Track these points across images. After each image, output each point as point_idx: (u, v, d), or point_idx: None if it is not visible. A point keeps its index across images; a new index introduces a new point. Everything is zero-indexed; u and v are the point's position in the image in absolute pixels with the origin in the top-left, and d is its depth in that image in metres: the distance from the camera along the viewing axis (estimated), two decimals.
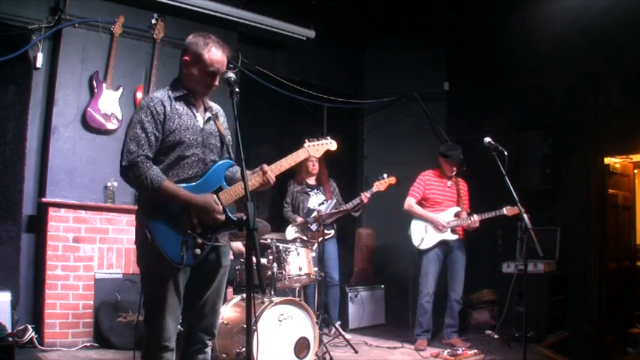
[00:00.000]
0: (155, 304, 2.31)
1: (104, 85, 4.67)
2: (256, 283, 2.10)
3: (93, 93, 4.65)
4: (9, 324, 3.92)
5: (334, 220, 5.21)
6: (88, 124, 4.61)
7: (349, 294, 5.76)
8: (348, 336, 4.85)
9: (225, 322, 3.60)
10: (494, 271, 5.53)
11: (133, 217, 4.58)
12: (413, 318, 5.04)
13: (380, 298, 6.07)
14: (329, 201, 5.18)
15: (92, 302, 4.40)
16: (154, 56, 4.96)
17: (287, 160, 2.59)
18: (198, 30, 2.49)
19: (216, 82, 2.43)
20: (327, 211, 4.84)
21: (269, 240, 4.00)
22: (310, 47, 6.17)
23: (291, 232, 5.16)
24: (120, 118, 4.73)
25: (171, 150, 2.35)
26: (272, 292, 3.78)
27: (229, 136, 2.62)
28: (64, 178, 4.52)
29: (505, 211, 4.54)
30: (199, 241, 2.31)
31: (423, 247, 4.85)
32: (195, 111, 2.46)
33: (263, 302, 3.53)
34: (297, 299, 3.80)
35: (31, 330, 4.18)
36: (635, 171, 6.45)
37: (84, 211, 4.49)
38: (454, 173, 4.98)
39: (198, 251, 2.31)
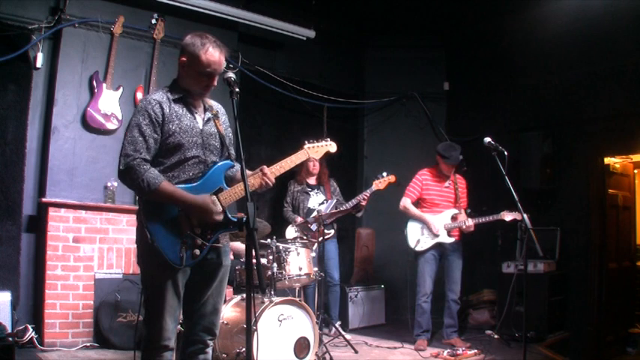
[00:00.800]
0: (154, 304, 2.32)
1: (104, 85, 4.67)
2: (256, 283, 2.10)
3: (93, 93, 4.65)
4: (9, 324, 3.92)
5: (334, 220, 5.21)
6: (88, 124, 4.61)
7: (349, 294, 5.76)
8: (348, 336, 4.86)
9: (225, 322, 3.60)
10: (494, 271, 5.53)
11: (133, 217, 4.64)
12: (412, 318, 5.04)
13: (380, 298, 6.07)
14: (329, 201, 5.18)
15: (92, 302, 4.40)
16: (153, 56, 4.96)
17: (287, 161, 2.59)
18: (198, 30, 2.49)
19: (214, 83, 2.43)
20: (327, 211, 4.84)
21: (269, 240, 4.00)
22: (310, 47, 6.17)
23: (291, 232, 5.16)
24: (120, 118, 4.73)
25: (172, 152, 2.35)
26: (272, 292, 3.78)
27: (230, 135, 2.62)
28: (64, 178, 4.52)
29: (502, 215, 4.52)
30: (198, 241, 2.32)
31: (419, 248, 4.85)
32: (194, 112, 2.46)
33: (263, 302, 3.54)
34: (297, 299, 3.80)
35: (31, 330, 4.18)
36: (635, 171, 6.45)
37: (84, 211, 4.48)
38: (452, 173, 4.97)
39: (197, 252, 2.32)
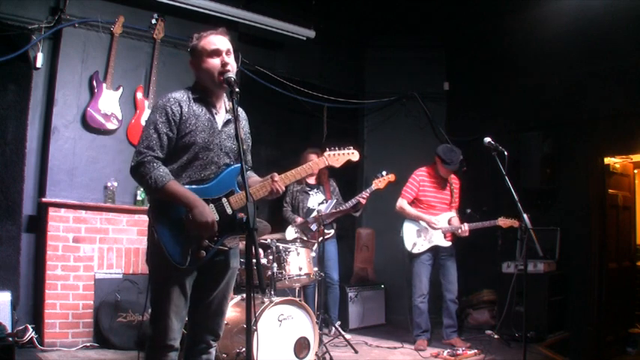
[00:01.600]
0: (161, 304, 2.31)
1: (104, 85, 4.67)
2: (256, 283, 2.10)
3: (93, 93, 4.65)
4: (9, 324, 3.92)
5: (334, 220, 5.21)
6: (88, 124, 4.61)
7: (349, 294, 5.76)
8: (348, 336, 4.86)
9: (225, 322, 3.58)
10: (494, 271, 5.53)
11: (133, 217, 4.67)
12: (411, 319, 5.03)
13: (380, 298, 6.07)
14: (329, 201, 5.18)
15: (92, 302, 4.40)
16: (153, 56, 4.96)
17: (304, 168, 2.55)
18: (198, 30, 2.50)
19: (229, 61, 2.37)
20: (327, 211, 4.84)
21: (269, 240, 4.00)
22: (310, 47, 6.17)
23: (291, 232, 5.15)
24: (120, 118, 4.73)
25: (185, 151, 2.35)
26: (272, 292, 3.78)
27: (249, 142, 2.61)
28: (64, 178, 4.52)
29: (498, 222, 4.48)
30: (204, 243, 2.30)
31: (415, 251, 4.85)
32: (214, 112, 2.44)
33: (263, 302, 3.54)
34: (297, 299, 3.80)
35: (31, 330, 4.19)
36: (635, 171, 6.45)
37: (84, 211, 4.49)
38: (449, 176, 4.95)
39: (202, 253, 2.30)
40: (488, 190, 5.18)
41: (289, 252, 3.98)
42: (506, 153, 3.45)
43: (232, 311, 3.70)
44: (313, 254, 4.39)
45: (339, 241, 5.52)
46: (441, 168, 4.85)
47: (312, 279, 4.13)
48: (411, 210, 4.87)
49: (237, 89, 2.28)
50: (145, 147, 2.28)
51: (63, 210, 4.39)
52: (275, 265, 3.89)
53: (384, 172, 4.81)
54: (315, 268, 4.20)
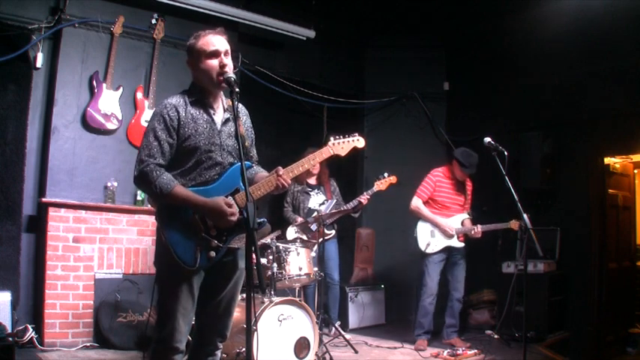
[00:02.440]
0: (168, 305, 2.30)
1: (104, 85, 4.67)
2: (256, 283, 2.10)
3: (93, 93, 4.65)
4: (9, 324, 3.92)
5: (335, 221, 5.21)
6: (88, 124, 4.61)
7: (349, 294, 5.76)
8: (348, 336, 4.86)
9: None
10: (494, 271, 5.53)
11: (133, 217, 4.67)
12: (415, 318, 5.02)
13: (380, 298, 6.07)
14: (329, 201, 5.18)
15: (92, 302, 4.40)
16: (153, 56, 4.96)
17: (308, 159, 2.51)
18: (198, 30, 2.49)
19: (227, 62, 2.37)
20: (327, 211, 4.84)
21: (269, 240, 4.00)
22: (310, 47, 6.17)
23: (291, 232, 5.16)
24: (120, 118, 4.73)
25: (189, 156, 2.34)
26: (272, 292, 3.78)
27: (252, 136, 2.60)
28: (64, 178, 4.52)
29: (511, 225, 4.51)
30: (213, 243, 2.30)
31: (429, 251, 4.84)
32: (212, 113, 2.43)
33: (263, 302, 3.54)
34: (297, 299, 3.80)
35: (31, 330, 4.18)
36: (635, 171, 6.45)
37: (84, 211, 4.48)
38: (465, 179, 4.96)
39: (212, 254, 2.30)
40: (488, 190, 5.17)
41: (289, 252, 3.98)
42: (506, 153, 3.45)
43: (234, 311, 3.70)
44: (313, 254, 4.39)
45: (339, 241, 5.53)
46: (457, 171, 4.86)
47: (312, 279, 4.13)
48: (426, 212, 4.87)
49: (237, 89, 2.28)
50: (147, 155, 2.28)
51: (63, 210, 4.38)
52: (275, 265, 3.89)
53: (385, 174, 4.81)
54: (315, 268, 4.20)
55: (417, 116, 6.76)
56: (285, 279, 3.91)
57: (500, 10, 5.89)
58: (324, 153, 2.58)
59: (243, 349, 3.29)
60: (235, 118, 2.23)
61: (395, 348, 4.83)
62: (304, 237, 4.93)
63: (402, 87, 6.75)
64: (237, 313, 3.65)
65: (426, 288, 4.84)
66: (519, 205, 3.36)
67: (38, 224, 4.46)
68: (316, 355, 3.82)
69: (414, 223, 4.98)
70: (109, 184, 4.65)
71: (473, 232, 4.70)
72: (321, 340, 4.09)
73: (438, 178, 4.93)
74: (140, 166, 2.27)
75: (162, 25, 4.97)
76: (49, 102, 4.57)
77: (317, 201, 5.32)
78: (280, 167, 2.43)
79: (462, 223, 4.85)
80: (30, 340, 4.15)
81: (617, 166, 5.85)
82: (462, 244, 4.83)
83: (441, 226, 4.80)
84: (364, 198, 4.86)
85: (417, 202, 4.91)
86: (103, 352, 4.21)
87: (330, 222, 5.12)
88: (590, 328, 5.23)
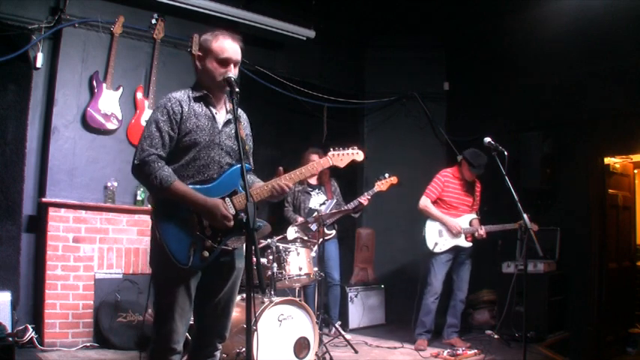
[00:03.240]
0: (165, 306, 2.29)
1: (104, 85, 4.67)
2: (256, 283, 2.10)
3: (93, 93, 4.65)
4: (9, 324, 3.92)
5: (335, 221, 5.21)
6: (88, 124, 4.61)
7: (349, 294, 5.76)
8: (348, 336, 4.85)
9: None
10: (494, 271, 5.53)
11: (133, 217, 4.67)
12: (416, 317, 5.02)
13: (380, 298, 6.07)
14: (329, 201, 5.18)
15: (92, 302, 4.40)
16: (153, 56, 4.95)
17: (307, 168, 2.54)
18: (198, 30, 2.50)
19: (234, 72, 2.39)
20: (327, 211, 4.84)
21: (269, 240, 4.00)
22: (310, 47, 6.16)
23: (291, 232, 5.15)
24: (120, 118, 4.73)
25: (187, 151, 2.34)
26: (272, 292, 3.78)
27: (250, 144, 2.60)
28: (64, 178, 4.52)
29: (517, 226, 4.50)
30: (208, 243, 2.29)
31: (437, 250, 4.84)
32: (214, 112, 2.44)
33: (263, 302, 3.54)
34: (297, 299, 3.80)
35: (31, 330, 4.19)
36: (635, 171, 6.45)
37: (84, 211, 4.48)
38: (473, 179, 4.97)
39: (206, 254, 2.28)
40: (488, 190, 5.17)
41: (289, 252, 3.97)
42: (506, 153, 3.45)
43: (232, 311, 3.70)
44: (313, 254, 4.39)
45: (339, 241, 5.52)
46: (466, 171, 4.87)
47: (312, 279, 4.13)
48: (435, 211, 4.88)
49: (237, 89, 2.29)
50: (148, 145, 2.27)
51: (63, 210, 4.39)
52: (275, 265, 3.89)
53: (386, 175, 4.80)
54: (315, 268, 4.20)
55: (417, 116, 6.76)
56: (285, 279, 3.91)
57: (500, 10, 5.89)
58: (324, 164, 2.63)
59: (243, 349, 3.28)
60: (235, 119, 2.23)
61: (395, 348, 4.83)
62: (304, 237, 4.92)
63: (402, 87, 6.75)
64: (237, 313, 3.65)
65: (431, 287, 4.84)
66: (519, 205, 3.36)
67: (38, 224, 4.46)
68: (316, 355, 3.82)
69: (420, 222, 4.99)
70: (109, 184, 4.65)
71: (477, 234, 4.72)
72: (321, 340, 4.09)
73: (446, 179, 4.95)
74: (142, 154, 2.26)
75: (162, 25, 4.97)
76: (49, 102, 4.57)
77: (317, 201, 5.32)
78: (281, 167, 2.44)
79: (470, 224, 4.86)
80: (30, 340, 4.15)
81: (617, 166, 5.85)
82: (469, 244, 4.84)
83: (448, 223, 4.80)
84: (364, 198, 4.86)
85: (425, 202, 4.93)
86: (103, 352, 4.21)
87: (331, 222, 5.12)
88: (590, 328, 5.23)
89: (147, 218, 4.70)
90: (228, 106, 2.50)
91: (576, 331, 5.27)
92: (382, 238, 6.41)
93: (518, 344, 4.78)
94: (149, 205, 4.65)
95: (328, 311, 5.15)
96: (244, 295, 3.50)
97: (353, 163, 2.75)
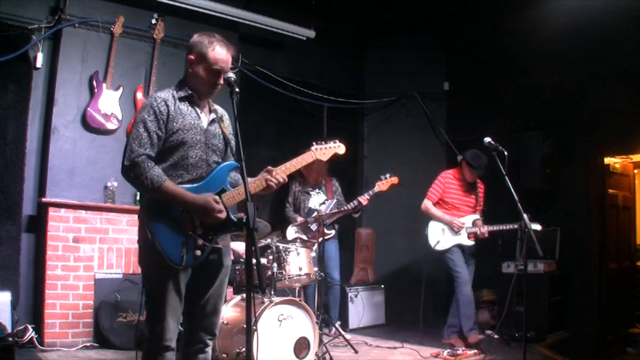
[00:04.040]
0: (156, 304, 2.32)
1: (104, 85, 4.67)
2: (256, 283, 2.10)
3: (93, 93, 4.65)
4: (9, 324, 3.92)
5: (335, 221, 5.21)
6: (88, 124, 4.61)
7: (349, 294, 5.76)
8: (348, 336, 4.85)
9: (225, 322, 3.60)
10: (494, 271, 5.53)
11: (133, 217, 4.65)
12: (424, 317, 5.01)
13: (380, 298, 6.07)
14: (329, 201, 5.18)
15: (92, 302, 4.40)
16: (153, 56, 4.96)
17: (292, 162, 2.57)
18: (198, 30, 2.50)
19: (221, 82, 2.42)
20: (327, 211, 4.83)
21: (269, 240, 4.00)
22: (310, 47, 6.17)
23: (291, 232, 5.16)
24: (120, 118, 4.73)
25: (174, 150, 2.35)
26: (272, 292, 3.78)
27: (232, 143, 2.62)
28: (64, 178, 4.52)
29: (517, 225, 4.51)
30: (200, 242, 2.31)
31: (439, 248, 4.85)
32: (199, 111, 2.46)
33: (263, 302, 3.53)
34: (297, 299, 3.80)
35: (31, 330, 4.19)
36: (635, 171, 6.45)
37: (84, 211, 4.48)
38: (474, 180, 4.98)
39: (198, 252, 2.31)
40: (489, 191, 5.17)
41: (289, 252, 3.97)
42: (506, 153, 3.45)
43: (232, 311, 3.70)
44: (313, 254, 4.39)
45: (339, 241, 5.52)
46: (467, 172, 4.89)
47: (312, 279, 4.13)
48: (435, 211, 4.91)
49: (237, 89, 2.29)
50: (137, 146, 2.28)
51: (63, 210, 4.39)
52: (275, 265, 3.88)
53: (387, 175, 4.80)
54: (315, 268, 4.20)
55: (417, 116, 6.76)
56: (285, 279, 3.91)
57: (500, 10, 5.89)
58: (308, 158, 2.65)
59: (243, 349, 3.28)
60: (236, 118, 2.24)
61: (395, 348, 4.82)
62: (304, 237, 4.92)
63: (402, 87, 6.75)
64: (237, 313, 3.66)
65: (459, 275, 4.74)
66: (519, 205, 3.36)
67: (38, 224, 4.46)
68: (316, 355, 3.81)
69: (420, 222, 5.00)
70: (109, 184, 4.65)
71: (479, 232, 4.73)
72: (321, 340, 4.09)
73: (447, 180, 4.97)
74: (131, 155, 2.27)
75: (162, 25, 4.97)
76: (49, 102, 4.56)
77: (317, 201, 5.32)
78: (270, 167, 2.46)
79: (473, 224, 4.86)
80: (30, 340, 4.15)
81: (617, 166, 5.85)
82: (471, 243, 4.84)
83: (449, 221, 4.82)
84: (364, 198, 4.86)
85: (427, 204, 4.96)
86: (103, 352, 4.21)
87: (330, 222, 5.12)
88: (590, 328, 5.23)
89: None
90: (212, 106, 2.54)
91: (576, 331, 5.27)
92: (382, 238, 6.41)
93: (518, 344, 4.77)
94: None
95: (328, 311, 5.15)
96: (244, 295, 3.51)
97: (336, 156, 2.79)
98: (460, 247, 4.86)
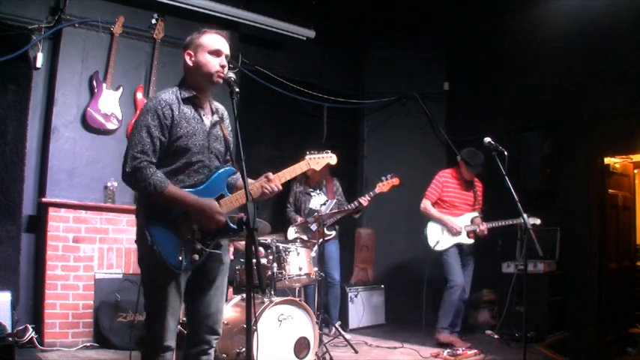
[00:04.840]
0: (156, 305, 2.31)
1: (104, 85, 4.67)
2: (256, 283, 2.10)
3: (93, 93, 4.65)
4: (9, 324, 3.92)
5: (336, 221, 5.21)
6: (88, 124, 4.61)
7: (349, 294, 5.76)
8: (348, 336, 4.85)
9: (225, 322, 3.59)
10: (494, 271, 5.53)
11: (133, 217, 4.57)
12: (425, 317, 5.01)
13: (380, 298, 6.07)
14: (330, 201, 5.18)
15: (92, 302, 4.40)
16: (153, 56, 4.96)
17: (289, 171, 2.59)
18: (198, 30, 2.50)
19: (224, 63, 2.40)
20: (327, 212, 4.83)
21: (269, 240, 4.00)
22: (310, 47, 6.17)
23: (291, 232, 5.16)
24: (120, 118, 4.73)
25: (178, 156, 2.34)
26: (272, 292, 3.78)
27: (231, 142, 2.62)
28: (64, 178, 4.52)
29: (516, 221, 4.51)
30: (198, 246, 2.31)
31: (438, 248, 4.87)
32: (202, 114, 2.44)
33: (263, 302, 3.53)
34: (297, 299, 3.80)
35: (31, 330, 4.19)
36: (635, 171, 6.45)
37: (84, 211, 4.49)
38: (472, 179, 4.99)
39: (196, 257, 2.31)
40: (489, 190, 5.17)
41: (289, 252, 3.97)
42: (506, 153, 3.45)
43: (232, 311, 3.71)
44: (313, 254, 4.39)
45: (339, 241, 5.52)
46: (464, 171, 4.92)
47: (312, 279, 4.13)
48: (434, 212, 4.94)
49: (237, 89, 2.29)
50: (140, 152, 2.25)
51: (63, 210, 4.39)
52: (275, 265, 3.88)
53: (388, 176, 4.79)
54: (315, 268, 4.20)
55: (417, 116, 6.76)
56: (285, 279, 3.91)
57: (500, 10, 5.89)
58: (303, 167, 2.73)
59: (243, 349, 3.28)
60: (236, 118, 2.23)
61: (395, 348, 4.82)
62: (304, 237, 4.92)
63: (402, 87, 6.75)
64: (237, 313, 3.66)
65: (453, 277, 4.78)
66: (519, 205, 3.36)
67: (38, 224, 4.46)
68: (316, 355, 3.81)
69: (420, 222, 5.00)
70: (109, 184, 4.65)
71: (479, 230, 4.75)
72: (321, 340, 4.09)
73: (445, 179, 4.99)
74: (133, 162, 2.25)
75: (162, 25, 4.97)
76: (49, 102, 4.57)
77: (318, 201, 5.32)
78: (270, 173, 2.46)
79: (472, 222, 4.88)
80: (30, 340, 4.15)
81: (617, 166, 5.85)
82: (471, 241, 4.86)
83: (448, 224, 4.84)
84: (365, 200, 4.86)
85: (425, 204, 4.98)
86: (103, 352, 4.21)
87: (331, 222, 5.12)
88: (590, 328, 5.23)
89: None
90: (214, 106, 2.52)
91: (576, 331, 5.27)
92: (382, 238, 6.41)
93: (518, 344, 4.78)
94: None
95: (328, 311, 5.15)
96: (244, 295, 3.51)
97: (328, 166, 2.95)
98: (459, 246, 4.87)
